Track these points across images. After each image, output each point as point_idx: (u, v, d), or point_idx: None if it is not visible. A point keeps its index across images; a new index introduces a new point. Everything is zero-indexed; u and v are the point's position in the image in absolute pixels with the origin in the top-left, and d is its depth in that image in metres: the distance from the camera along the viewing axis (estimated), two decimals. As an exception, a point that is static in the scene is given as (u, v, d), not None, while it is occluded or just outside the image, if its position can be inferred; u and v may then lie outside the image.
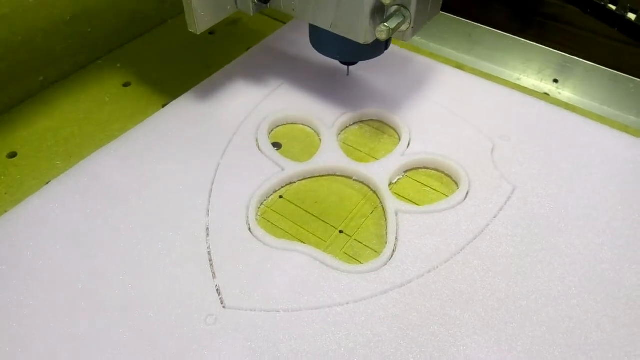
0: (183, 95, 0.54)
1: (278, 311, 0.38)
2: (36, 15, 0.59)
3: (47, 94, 0.56)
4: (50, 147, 0.51)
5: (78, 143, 0.51)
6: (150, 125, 0.51)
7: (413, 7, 0.41)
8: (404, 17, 0.41)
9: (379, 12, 0.41)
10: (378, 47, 0.47)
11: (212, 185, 0.46)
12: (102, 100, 0.56)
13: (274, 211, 0.45)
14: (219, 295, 0.39)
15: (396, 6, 0.41)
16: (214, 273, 0.40)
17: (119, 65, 0.60)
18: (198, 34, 0.42)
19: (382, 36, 0.40)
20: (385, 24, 0.40)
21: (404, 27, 0.41)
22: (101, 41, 0.62)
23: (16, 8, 0.59)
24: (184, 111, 0.52)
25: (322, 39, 0.49)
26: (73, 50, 0.61)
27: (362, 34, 0.42)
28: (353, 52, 0.48)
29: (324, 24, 0.43)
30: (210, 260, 0.41)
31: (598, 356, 0.36)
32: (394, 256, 0.42)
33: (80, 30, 0.64)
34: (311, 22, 0.45)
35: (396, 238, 0.43)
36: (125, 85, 0.58)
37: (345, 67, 0.54)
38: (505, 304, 0.39)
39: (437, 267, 0.41)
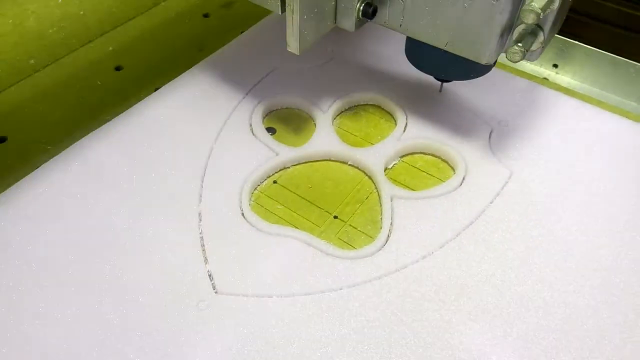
0: (175, 79, 0.53)
1: (271, 297, 0.38)
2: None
3: (37, 78, 0.55)
4: (41, 132, 0.50)
5: (69, 127, 0.50)
6: (142, 110, 0.50)
7: (547, 26, 0.37)
8: (536, 36, 0.37)
9: (507, 31, 0.37)
10: (488, 66, 0.42)
11: (205, 170, 0.45)
12: (93, 84, 0.55)
13: (268, 196, 0.45)
14: (211, 280, 0.38)
15: (523, 24, 0.37)
16: (206, 258, 0.40)
17: (111, 48, 0.59)
18: (298, 54, 0.39)
19: (516, 58, 0.36)
20: (519, 44, 0.36)
21: (534, 47, 0.37)
22: (93, 24, 0.61)
23: (6, -10, 0.58)
24: (176, 95, 0.51)
25: (426, 56, 0.44)
26: (65, 32, 0.60)
27: (487, 55, 0.38)
28: (464, 71, 0.44)
29: (437, 42, 0.39)
30: (203, 245, 0.40)
31: (594, 342, 0.36)
32: (388, 242, 0.41)
33: (72, 12, 0.63)
34: (423, 40, 0.40)
35: (391, 223, 0.42)
36: (118, 68, 0.57)
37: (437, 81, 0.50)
38: (501, 290, 0.38)
39: (432, 252, 0.40)
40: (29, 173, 0.45)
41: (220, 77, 0.53)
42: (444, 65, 0.44)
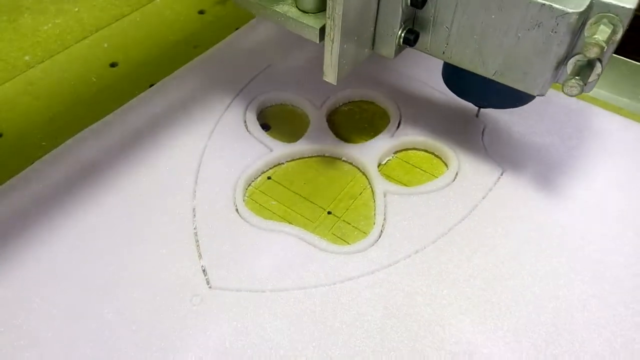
0: (170, 76, 0.53)
1: (264, 291, 0.38)
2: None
3: (32, 74, 0.55)
4: (35, 128, 0.50)
5: (64, 123, 0.50)
6: (137, 106, 0.50)
7: (606, 57, 0.34)
8: (593, 67, 0.34)
9: (562, 62, 0.35)
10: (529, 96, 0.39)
11: (199, 166, 0.45)
12: (88, 81, 0.55)
13: (262, 192, 0.45)
14: (204, 275, 0.39)
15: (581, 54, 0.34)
16: (200, 254, 0.40)
17: (106, 45, 0.59)
18: (335, 84, 0.37)
19: (574, 92, 0.34)
20: (577, 77, 0.33)
21: (591, 78, 0.35)
22: (88, 20, 0.61)
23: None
24: (171, 92, 0.51)
25: (469, 83, 0.42)
26: (59, 29, 0.60)
27: (540, 87, 0.36)
28: (511, 100, 0.42)
29: (484, 71, 0.37)
30: (197, 241, 0.41)
31: (584, 336, 0.36)
32: (381, 237, 0.41)
33: (67, 9, 0.63)
34: (468, 69, 0.38)
35: (384, 219, 0.42)
36: (112, 65, 0.57)
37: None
38: (492, 284, 0.38)
39: (425, 247, 0.41)
40: (24, 169, 0.45)
41: (215, 74, 0.53)
42: (488, 94, 0.42)
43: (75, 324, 0.36)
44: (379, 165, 0.47)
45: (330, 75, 0.37)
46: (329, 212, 0.44)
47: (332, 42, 0.35)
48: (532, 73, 0.35)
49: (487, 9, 0.34)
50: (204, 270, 0.39)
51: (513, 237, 0.41)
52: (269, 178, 0.46)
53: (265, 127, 0.50)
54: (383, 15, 0.37)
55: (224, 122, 0.49)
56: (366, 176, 0.46)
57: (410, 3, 0.35)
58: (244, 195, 0.44)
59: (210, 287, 0.38)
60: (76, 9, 0.63)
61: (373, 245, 0.41)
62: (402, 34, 0.37)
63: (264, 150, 0.47)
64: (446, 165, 0.47)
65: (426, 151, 0.48)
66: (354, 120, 0.51)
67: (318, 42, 0.37)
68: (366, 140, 0.48)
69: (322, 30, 0.37)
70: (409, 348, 0.35)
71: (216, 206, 0.43)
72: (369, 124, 0.50)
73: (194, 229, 0.41)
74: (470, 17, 0.35)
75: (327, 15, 0.34)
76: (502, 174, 0.45)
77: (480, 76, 0.38)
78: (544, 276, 0.39)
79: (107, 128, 0.48)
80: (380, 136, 0.48)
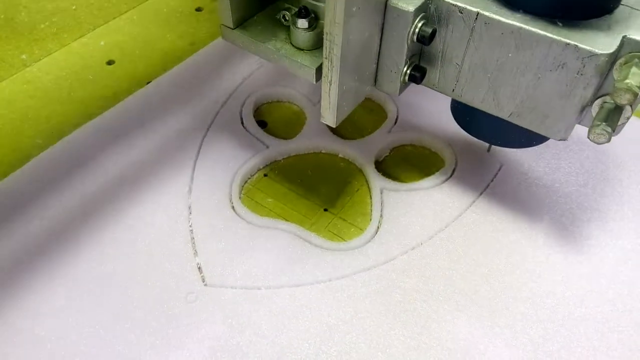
0: (166, 73, 0.53)
1: (260, 288, 0.38)
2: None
3: (29, 72, 0.55)
4: (32, 126, 0.50)
5: (60, 121, 0.50)
6: (133, 104, 0.50)
7: (637, 102, 0.30)
8: (622, 111, 0.30)
9: (588, 105, 0.31)
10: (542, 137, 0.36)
11: (195, 163, 0.45)
12: (85, 79, 0.55)
13: (258, 189, 0.45)
14: (200, 273, 0.39)
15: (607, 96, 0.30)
16: (195, 251, 0.40)
17: (102, 43, 0.59)
18: (334, 126, 0.34)
19: (601, 140, 0.29)
20: (605, 123, 0.29)
21: (620, 122, 0.31)
22: (85, 18, 0.61)
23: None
24: (167, 89, 0.51)
25: (480, 121, 0.38)
26: (56, 27, 0.60)
27: (562, 131, 0.32)
28: (526, 141, 0.38)
29: (498, 111, 0.33)
30: (192, 238, 0.40)
31: (581, 332, 0.36)
32: (378, 233, 0.41)
33: (64, 7, 0.63)
34: (481, 109, 0.34)
35: (381, 215, 0.42)
36: (109, 63, 0.57)
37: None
38: (488, 280, 0.38)
39: (421, 244, 0.40)
40: (20, 167, 0.45)
41: (211, 71, 0.53)
42: (502, 134, 0.38)
43: (70, 320, 0.36)
44: (376, 161, 0.47)
45: (328, 118, 0.33)
46: (325, 209, 0.44)
47: (330, 84, 0.31)
48: (553, 116, 0.32)
49: (503, 46, 0.30)
50: (199, 268, 0.39)
51: (510, 233, 0.41)
52: (265, 175, 0.46)
53: (261, 123, 0.49)
54: (386, 51, 0.33)
55: (221, 119, 0.49)
56: (363, 173, 0.46)
57: (417, 39, 0.32)
58: (240, 192, 0.44)
59: (205, 285, 0.38)
60: (73, 7, 0.63)
61: (369, 241, 0.41)
62: (408, 71, 0.34)
63: (260, 147, 0.47)
64: (443, 161, 0.47)
65: (423, 147, 0.48)
66: (351, 117, 0.50)
67: (314, 82, 0.34)
68: (363, 137, 0.48)
69: (319, 70, 0.33)
70: (405, 345, 0.35)
71: (212, 203, 0.43)
72: (366, 121, 0.50)
73: (190, 226, 0.41)
74: (483, 54, 0.32)
75: (324, 56, 0.30)
76: (499, 170, 0.45)
77: (493, 115, 0.34)
78: (541, 272, 0.39)
79: (103, 125, 0.48)
80: (377, 132, 0.48)
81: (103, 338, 0.35)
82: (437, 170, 0.46)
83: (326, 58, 0.30)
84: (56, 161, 0.45)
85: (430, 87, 0.35)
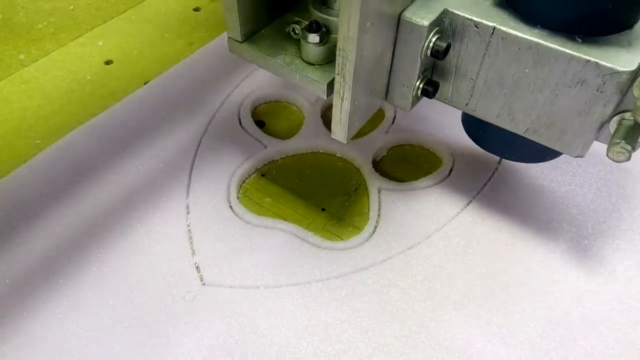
0: (164, 73, 0.53)
1: (258, 287, 0.38)
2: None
3: (27, 73, 0.55)
4: (30, 126, 0.50)
5: (59, 122, 0.50)
6: (131, 103, 0.50)
7: None
8: None
9: (607, 122, 0.30)
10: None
11: (193, 163, 0.45)
12: (83, 79, 0.55)
13: (256, 189, 0.45)
14: (198, 272, 0.39)
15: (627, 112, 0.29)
16: (193, 250, 0.40)
17: (100, 43, 0.59)
18: (345, 142, 0.33)
19: (620, 158, 0.29)
20: (625, 141, 0.28)
21: None
22: (83, 18, 0.61)
23: (-6, -16, 0.58)
24: (165, 88, 0.51)
25: (493, 135, 0.37)
26: (55, 27, 0.60)
27: (580, 148, 0.31)
28: (539, 155, 0.37)
29: (514, 127, 0.32)
30: (190, 238, 0.41)
31: (578, 330, 0.36)
32: (375, 233, 0.41)
33: (61, 7, 0.63)
34: (496, 124, 0.33)
35: (378, 215, 0.42)
36: (107, 63, 0.57)
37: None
38: (486, 279, 0.38)
39: (419, 243, 0.40)
40: (18, 167, 0.45)
41: (209, 71, 0.53)
42: (515, 149, 0.37)
43: (68, 320, 0.36)
44: (374, 161, 0.47)
45: (339, 134, 0.32)
46: (323, 209, 0.44)
47: (342, 101, 0.30)
48: (570, 133, 0.31)
49: (520, 61, 0.30)
50: (197, 267, 0.39)
51: (507, 233, 0.41)
52: (263, 175, 0.46)
53: (259, 123, 0.49)
54: (399, 65, 0.32)
55: (218, 119, 0.49)
56: (361, 172, 0.46)
57: (431, 53, 0.31)
58: (238, 192, 0.44)
59: (203, 284, 0.38)
60: (71, 7, 0.63)
61: (367, 241, 0.41)
62: (421, 85, 0.33)
63: (258, 146, 0.47)
64: (441, 160, 0.47)
65: (421, 147, 0.48)
66: (349, 117, 0.51)
67: (325, 97, 0.33)
68: (361, 137, 0.48)
69: (331, 85, 0.32)
70: (402, 343, 0.35)
71: (210, 203, 0.43)
72: (364, 120, 0.50)
73: (188, 225, 0.41)
74: (499, 69, 0.31)
75: (337, 72, 0.29)
76: (496, 169, 0.45)
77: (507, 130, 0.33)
78: (539, 271, 0.39)
79: (101, 125, 0.48)
80: (374, 132, 0.48)
81: (101, 338, 0.35)
82: (435, 170, 0.46)
83: (339, 74, 0.29)
84: (54, 162, 0.45)
85: (443, 101, 0.34)
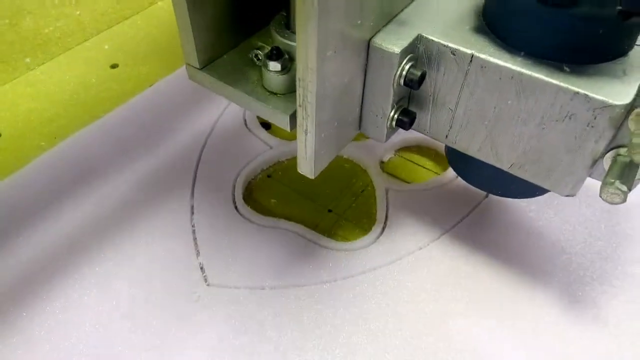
0: (170, 75, 0.53)
1: (263, 288, 0.37)
2: (22, -4, 0.58)
3: (32, 76, 0.55)
4: (34, 128, 0.50)
5: (63, 124, 0.50)
6: (137, 104, 0.50)
7: None
8: (638, 168, 0.26)
9: (600, 159, 0.27)
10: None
11: (198, 163, 0.45)
12: (88, 82, 0.54)
13: (262, 190, 0.44)
14: (202, 273, 0.38)
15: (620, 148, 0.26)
16: (198, 251, 0.39)
17: (106, 47, 0.59)
18: (313, 178, 0.29)
19: (615, 200, 0.25)
20: (620, 181, 0.25)
21: (638, 177, 0.26)
22: (89, 23, 0.61)
23: (2, -11, 0.58)
24: (171, 90, 0.51)
25: (477, 168, 0.34)
26: (61, 32, 0.60)
27: (570, 187, 0.28)
28: (528, 191, 0.33)
29: (498, 162, 0.29)
30: (195, 238, 0.40)
31: (593, 332, 0.35)
32: (383, 233, 0.40)
33: (68, 12, 0.63)
34: (478, 157, 0.30)
35: (386, 216, 0.42)
36: (113, 67, 0.56)
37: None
38: (497, 281, 0.37)
39: (428, 244, 0.40)
40: (22, 167, 0.45)
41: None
42: (501, 184, 0.34)
43: (72, 319, 0.35)
44: (381, 162, 0.46)
45: (305, 169, 0.29)
46: (330, 210, 0.43)
47: (306, 134, 0.27)
48: (560, 171, 0.27)
49: (502, 92, 0.27)
50: (201, 268, 0.38)
51: (519, 233, 0.40)
52: (269, 176, 0.45)
53: (265, 125, 0.49)
54: (370, 94, 0.29)
55: (224, 120, 0.48)
56: (368, 173, 0.45)
57: (404, 82, 0.28)
58: (243, 192, 0.44)
59: (208, 285, 0.37)
60: (77, 13, 0.63)
61: (375, 242, 0.40)
62: (395, 116, 0.29)
63: (264, 147, 0.46)
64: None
65: (429, 148, 0.47)
66: (356, 119, 0.50)
67: (290, 130, 0.29)
68: (368, 138, 0.47)
69: (294, 117, 0.28)
70: (412, 346, 0.34)
71: (215, 204, 0.42)
72: (371, 122, 0.50)
73: (192, 226, 0.40)
74: (479, 99, 0.28)
75: (298, 104, 0.26)
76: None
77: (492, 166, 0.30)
78: (551, 272, 0.38)
79: (107, 125, 0.48)
80: (382, 133, 0.48)
81: (104, 338, 0.34)
82: (443, 171, 0.45)
83: (300, 106, 0.26)
84: (59, 161, 0.45)
85: (421, 132, 0.31)
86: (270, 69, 0.29)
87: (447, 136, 0.30)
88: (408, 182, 0.44)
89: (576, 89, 0.24)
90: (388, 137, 0.30)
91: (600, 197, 0.25)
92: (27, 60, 0.57)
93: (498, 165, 0.29)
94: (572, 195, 0.28)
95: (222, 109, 0.49)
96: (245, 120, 0.48)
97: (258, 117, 0.49)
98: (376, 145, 0.46)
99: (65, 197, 0.42)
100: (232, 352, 0.34)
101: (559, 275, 0.38)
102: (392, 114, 0.29)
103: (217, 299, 0.36)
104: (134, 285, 0.37)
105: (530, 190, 0.33)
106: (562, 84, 0.25)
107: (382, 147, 0.46)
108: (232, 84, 0.30)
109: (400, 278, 0.38)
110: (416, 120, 0.30)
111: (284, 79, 0.29)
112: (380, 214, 0.42)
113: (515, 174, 0.29)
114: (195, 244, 0.39)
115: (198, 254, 0.39)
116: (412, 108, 0.30)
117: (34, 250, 0.39)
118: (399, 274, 0.38)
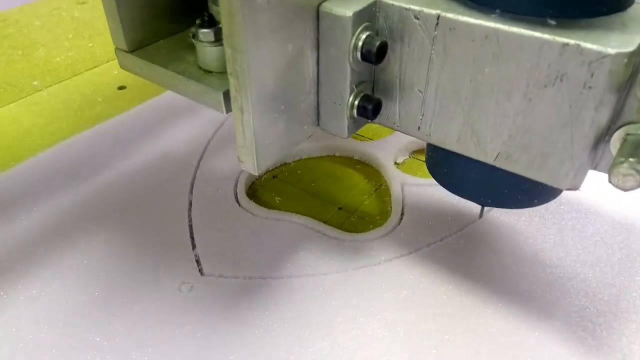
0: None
1: (265, 278, 0.33)
2: (38, 32, 0.59)
3: (39, 96, 0.55)
4: (34, 140, 0.48)
5: (63, 137, 0.48)
6: (142, 110, 0.48)
7: None
8: None
9: (604, 136, 0.21)
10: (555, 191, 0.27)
11: (200, 162, 0.42)
12: (94, 100, 0.54)
13: (266, 190, 0.41)
14: (198, 265, 0.34)
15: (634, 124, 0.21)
16: (194, 245, 0.35)
17: (116, 72, 0.59)
18: (257, 174, 0.26)
19: (627, 185, 0.20)
20: (632, 160, 0.20)
21: None
22: (101, 53, 0.62)
23: (20, 28, 0.59)
24: (176, 95, 0.50)
25: (461, 172, 0.28)
26: (72, 60, 0.61)
27: (571, 176, 0.23)
28: (526, 198, 0.27)
29: (481, 153, 0.24)
30: (192, 232, 0.36)
31: (614, 340, 0.30)
32: (400, 225, 0.36)
33: (81, 44, 0.64)
34: (458, 151, 0.25)
35: (402, 209, 0.38)
36: (120, 88, 0.56)
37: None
38: (515, 275, 0.33)
39: (445, 237, 0.35)
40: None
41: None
42: (490, 188, 0.27)
43: (64, 309, 0.31)
44: (395, 163, 0.43)
45: (246, 159, 0.24)
46: (340, 208, 0.39)
47: (242, 113, 0.22)
48: (556, 155, 0.22)
49: (476, 58, 0.22)
50: (197, 260, 0.34)
51: (536, 230, 0.36)
52: (274, 177, 0.42)
53: (272, 130, 0.47)
54: (325, 75, 0.24)
55: (230, 122, 0.46)
56: (381, 172, 0.42)
57: (362, 56, 0.23)
58: (246, 189, 0.40)
59: (202, 275, 0.33)
60: (90, 45, 0.64)
61: (390, 233, 0.36)
62: (356, 102, 0.25)
63: (270, 148, 0.44)
64: (469, 160, 0.43)
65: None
66: (367, 125, 0.48)
67: (225, 112, 0.25)
68: (381, 138, 0.45)
69: (228, 95, 0.24)
70: (429, 340, 0.29)
71: (214, 197, 0.39)
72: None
73: (189, 221, 0.37)
74: (451, 72, 0.23)
75: (229, 71, 0.21)
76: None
77: (478, 162, 0.25)
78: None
79: (109, 126, 0.46)
80: (395, 133, 0.45)
81: (99, 329, 0.30)
82: (463, 167, 0.41)
83: (231, 74, 0.21)
84: (57, 160, 0.43)
85: (390, 127, 0.26)
86: (202, 39, 0.25)
87: (419, 127, 0.25)
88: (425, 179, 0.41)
89: (565, 40, 0.20)
90: (350, 131, 0.26)
91: (610, 182, 0.20)
92: (35, 82, 0.56)
93: (482, 158, 0.24)
94: (575, 189, 0.23)
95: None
96: (250, 122, 0.46)
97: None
98: (390, 144, 0.43)
99: (62, 189, 0.40)
100: (229, 343, 0.29)
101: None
102: (351, 99, 0.25)
103: (212, 289, 0.32)
104: (129, 277, 0.33)
105: (528, 196, 0.27)
106: (546, 36, 0.20)
107: (395, 147, 0.43)
108: (164, 65, 0.26)
109: (417, 271, 0.33)
110: (384, 113, 0.26)
111: (218, 51, 0.25)
112: (395, 206, 0.38)
113: (504, 168, 0.24)
114: (192, 237, 0.36)
115: (194, 246, 0.35)
116: (376, 95, 0.26)
117: (32, 244, 0.36)
118: (416, 266, 0.33)
